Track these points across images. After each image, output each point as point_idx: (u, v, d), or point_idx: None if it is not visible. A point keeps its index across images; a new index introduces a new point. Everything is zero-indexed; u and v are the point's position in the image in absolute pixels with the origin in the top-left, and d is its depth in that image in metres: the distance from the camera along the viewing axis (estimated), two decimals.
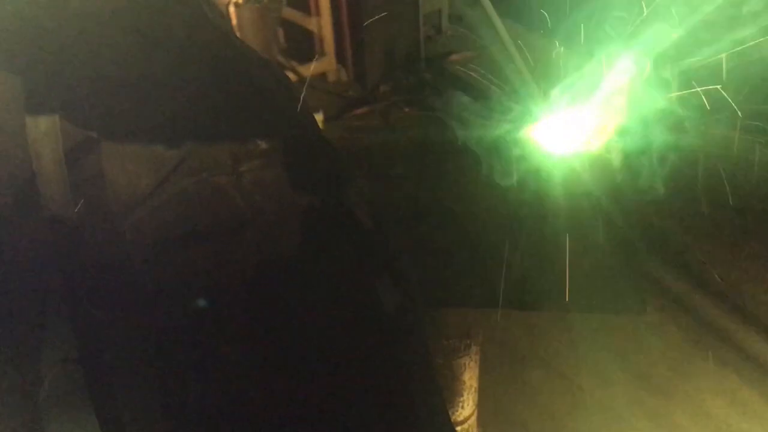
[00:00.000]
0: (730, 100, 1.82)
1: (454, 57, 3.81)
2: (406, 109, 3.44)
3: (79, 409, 1.14)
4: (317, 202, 1.14)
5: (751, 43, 1.81)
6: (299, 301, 1.11)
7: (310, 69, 4.00)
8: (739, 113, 1.85)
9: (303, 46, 4.10)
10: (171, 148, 1.11)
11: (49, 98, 1.06)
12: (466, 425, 1.80)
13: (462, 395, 1.74)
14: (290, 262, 1.11)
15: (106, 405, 1.12)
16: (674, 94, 1.81)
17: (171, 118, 1.12)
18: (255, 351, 1.10)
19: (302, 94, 1.24)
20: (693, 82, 1.84)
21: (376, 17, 3.62)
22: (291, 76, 3.83)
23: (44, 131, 1.05)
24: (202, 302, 1.08)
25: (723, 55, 1.80)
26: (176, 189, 1.10)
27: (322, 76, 4.10)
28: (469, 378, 1.72)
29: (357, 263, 1.18)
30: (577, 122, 1.71)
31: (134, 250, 1.08)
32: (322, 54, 4.09)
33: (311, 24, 4.05)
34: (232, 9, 3.41)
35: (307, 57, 4.06)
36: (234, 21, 3.41)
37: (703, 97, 1.82)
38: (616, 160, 1.79)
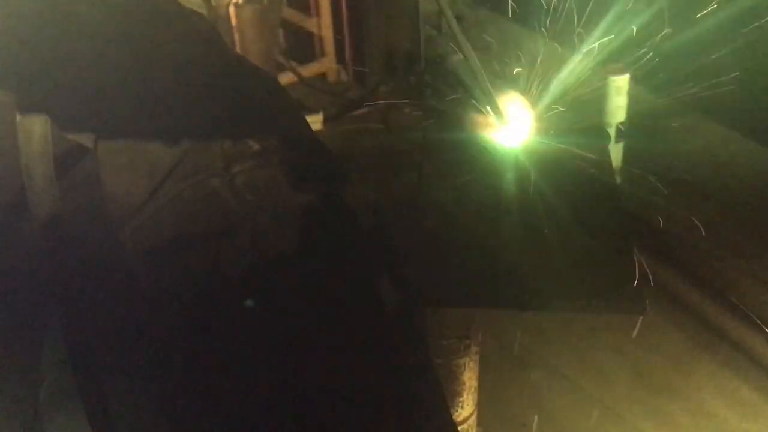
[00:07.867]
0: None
1: (455, 58, 3.81)
2: (406, 110, 3.44)
3: (80, 409, 1.14)
4: (313, 202, 1.15)
5: None
6: (297, 302, 1.11)
7: (310, 69, 4.00)
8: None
9: (303, 46, 4.11)
10: (165, 153, 1.11)
11: (43, 113, 1.07)
12: (465, 425, 1.80)
13: (461, 395, 1.74)
14: (287, 262, 1.11)
15: (97, 406, 1.12)
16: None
17: (166, 126, 1.12)
18: (252, 353, 1.10)
19: (296, 97, 1.25)
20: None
21: (377, 17, 3.62)
22: (291, 76, 3.83)
23: (36, 151, 1.06)
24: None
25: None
26: (171, 194, 1.10)
27: (322, 76, 4.10)
28: (469, 378, 1.72)
29: (356, 263, 1.19)
30: (574, 122, 1.71)
31: (133, 257, 1.08)
32: (322, 54, 4.09)
33: (311, 24, 4.05)
34: (232, 9, 3.41)
35: (307, 57, 4.06)
36: (234, 21, 3.41)
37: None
38: (615, 161, 1.79)
